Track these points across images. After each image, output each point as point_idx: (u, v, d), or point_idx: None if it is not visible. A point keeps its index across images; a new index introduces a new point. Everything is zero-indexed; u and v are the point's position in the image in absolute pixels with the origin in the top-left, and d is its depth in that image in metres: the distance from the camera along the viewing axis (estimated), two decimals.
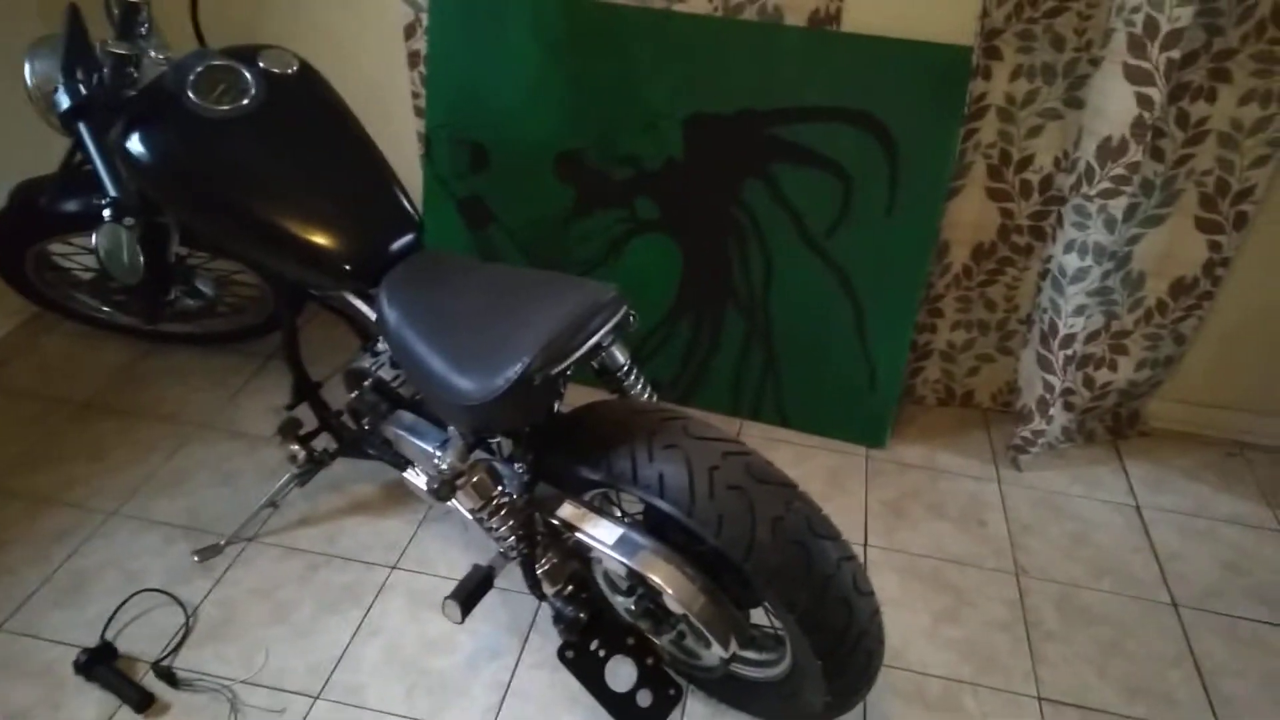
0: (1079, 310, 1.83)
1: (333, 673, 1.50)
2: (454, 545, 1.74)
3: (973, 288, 2.04)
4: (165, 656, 1.50)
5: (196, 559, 1.67)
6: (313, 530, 1.75)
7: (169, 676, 1.46)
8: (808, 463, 2.00)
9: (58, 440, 1.94)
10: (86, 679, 1.46)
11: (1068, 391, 2.05)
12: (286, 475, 1.74)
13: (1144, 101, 1.59)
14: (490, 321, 1.18)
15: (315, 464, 1.72)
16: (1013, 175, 1.87)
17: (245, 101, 1.31)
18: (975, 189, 1.91)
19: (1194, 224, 1.82)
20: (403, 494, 1.84)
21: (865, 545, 1.80)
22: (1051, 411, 1.95)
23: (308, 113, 1.37)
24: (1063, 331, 1.85)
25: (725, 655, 1.20)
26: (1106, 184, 1.69)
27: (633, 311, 1.22)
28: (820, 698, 1.22)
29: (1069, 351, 1.88)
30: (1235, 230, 1.80)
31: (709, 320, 2.06)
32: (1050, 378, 1.91)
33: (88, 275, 2.04)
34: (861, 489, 1.93)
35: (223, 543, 1.69)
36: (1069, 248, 1.78)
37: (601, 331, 1.14)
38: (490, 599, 1.63)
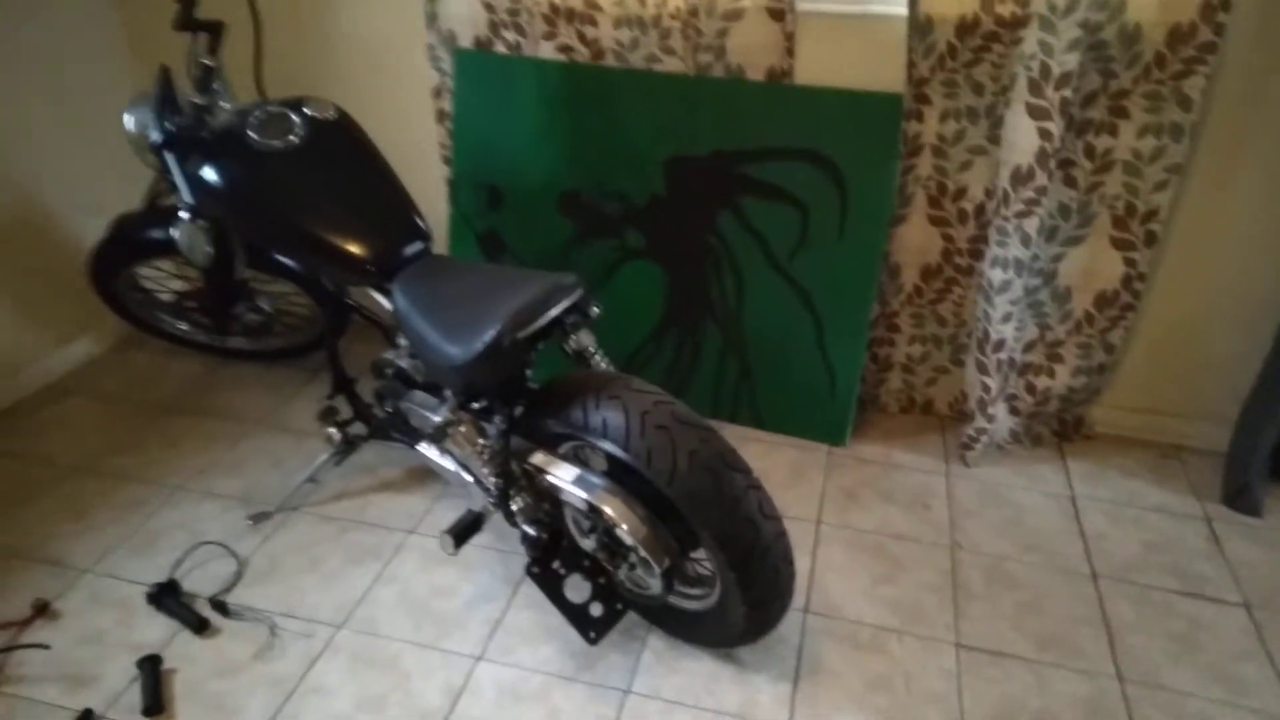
0: (1006, 317, 2.09)
1: (355, 609, 1.80)
2: None
3: (924, 305, 2.31)
4: (221, 593, 1.82)
5: (249, 522, 2.01)
6: (346, 502, 2.08)
7: (222, 608, 1.78)
8: (774, 456, 2.26)
9: (139, 434, 2.32)
10: (156, 608, 1.79)
11: (1012, 397, 2.29)
12: (325, 455, 2.07)
13: (1044, 134, 1.88)
14: (476, 303, 1.51)
15: (349, 445, 2.05)
16: (950, 204, 2.16)
17: (292, 138, 1.69)
18: (919, 217, 2.20)
19: (1110, 243, 2.08)
20: (423, 475, 2.15)
21: (818, 523, 2.05)
22: (991, 410, 2.20)
23: (341, 148, 1.74)
24: (994, 337, 2.11)
25: (660, 571, 1.47)
26: (1019, 206, 1.96)
27: (593, 299, 1.54)
28: (739, 610, 1.48)
29: (1001, 355, 2.13)
30: (1147, 247, 2.06)
31: (690, 334, 2.36)
32: (986, 379, 2.16)
33: (168, 297, 2.45)
34: (820, 478, 2.19)
35: (272, 510, 2.03)
36: (994, 263, 2.05)
37: (560, 306, 1.46)
38: (489, 555, 1.93)
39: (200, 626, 1.75)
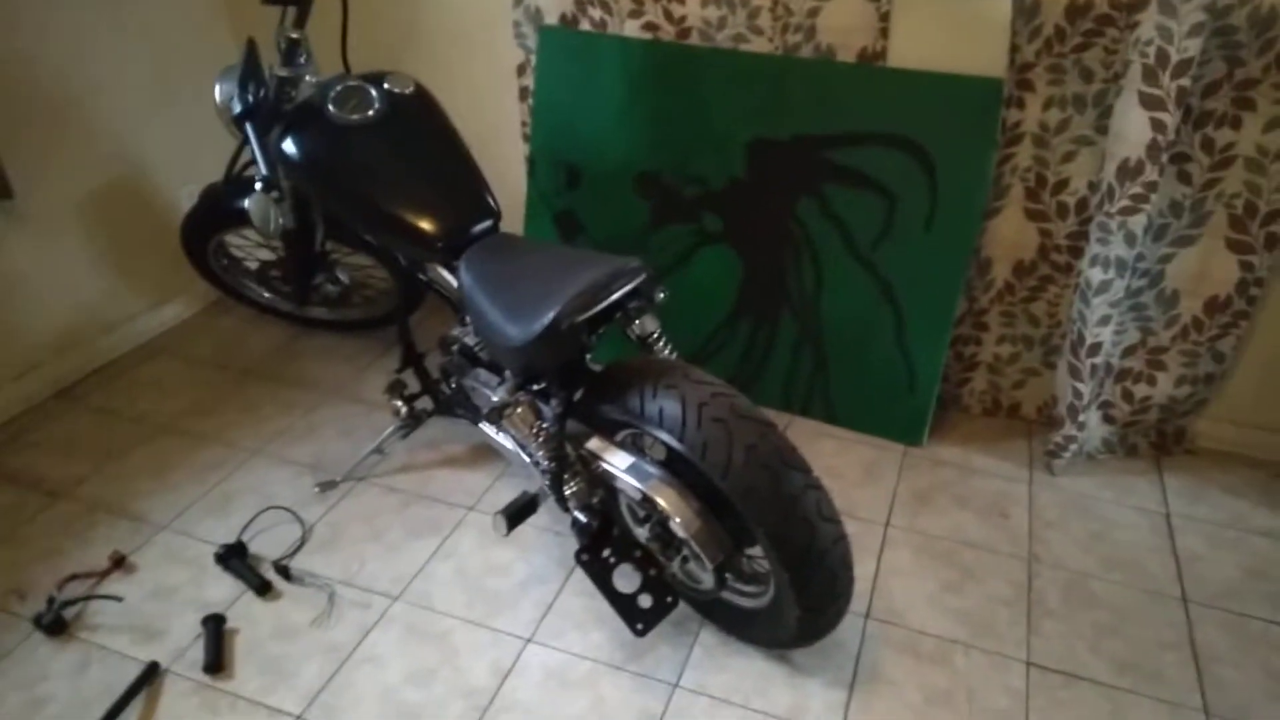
0: (1104, 320, 1.95)
1: (411, 582, 1.82)
2: None
3: (1015, 303, 2.18)
4: (284, 558, 1.86)
5: (317, 489, 2.05)
6: (410, 475, 2.10)
7: (285, 572, 1.82)
8: (847, 454, 2.18)
9: (221, 397, 2.39)
10: (223, 568, 1.84)
11: (1106, 404, 2.15)
12: (391, 427, 2.09)
13: (1158, 125, 1.74)
14: (538, 283, 1.49)
15: (415, 419, 2.07)
16: (1049, 197, 2.03)
17: (370, 113, 1.70)
18: (1014, 209, 2.07)
19: (1225, 244, 1.92)
20: (486, 452, 2.16)
21: (886, 525, 1.96)
22: (1082, 418, 2.06)
23: (416, 123, 1.74)
24: (1089, 340, 1.97)
25: (711, 567, 1.43)
26: (1125, 202, 1.83)
27: (658, 284, 1.50)
28: (793, 611, 1.42)
29: (1096, 360, 2.00)
30: (1267, 251, 1.89)
31: (765, 323, 2.30)
32: (1079, 385, 2.03)
33: (253, 265, 2.51)
34: (894, 479, 2.10)
35: (338, 479, 2.06)
36: (1094, 262, 1.92)
37: (621, 291, 1.42)
38: (546, 537, 1.92)
39: (263, 589, 1.79)
